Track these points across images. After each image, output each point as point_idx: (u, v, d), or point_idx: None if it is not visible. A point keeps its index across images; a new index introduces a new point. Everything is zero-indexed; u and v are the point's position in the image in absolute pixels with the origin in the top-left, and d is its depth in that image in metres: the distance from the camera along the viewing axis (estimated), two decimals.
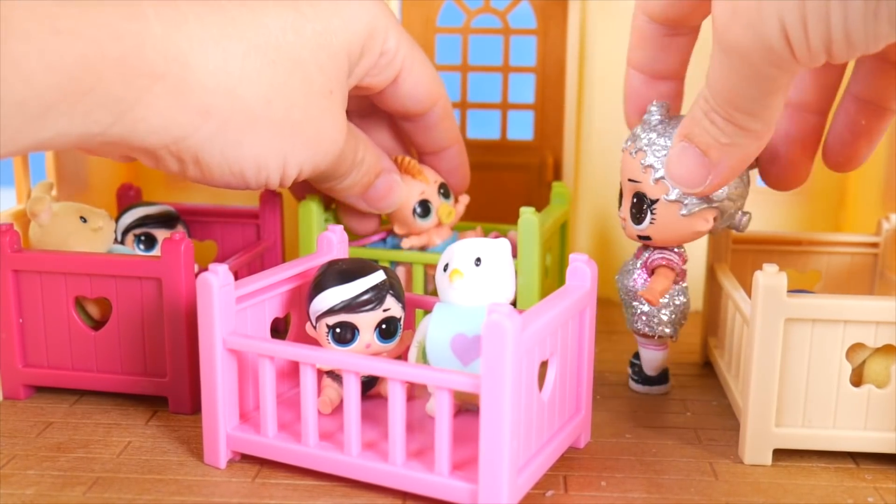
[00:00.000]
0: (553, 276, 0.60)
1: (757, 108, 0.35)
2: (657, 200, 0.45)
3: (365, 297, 0.42)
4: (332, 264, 0.44)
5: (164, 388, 0.48)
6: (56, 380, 0.50)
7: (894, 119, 0.43)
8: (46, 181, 0.52)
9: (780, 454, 0.44)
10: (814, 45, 0.29)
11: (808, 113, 0.44)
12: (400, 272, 0.57)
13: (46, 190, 0.52)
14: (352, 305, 0.42)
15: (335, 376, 0.45)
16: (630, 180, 0.46)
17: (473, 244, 0.43)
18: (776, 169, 0.45)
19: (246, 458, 0.43)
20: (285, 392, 0.48)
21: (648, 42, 0.44)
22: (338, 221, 0.56)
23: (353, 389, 0.39)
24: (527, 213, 0.51)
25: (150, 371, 0.49)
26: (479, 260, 0.42)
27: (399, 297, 0.44)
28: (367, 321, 0.43)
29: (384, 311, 0.43)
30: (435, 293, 0.48)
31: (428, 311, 0.45)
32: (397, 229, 0.57)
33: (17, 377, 0.50)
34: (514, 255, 0.52)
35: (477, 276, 0.42)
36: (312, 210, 0.55)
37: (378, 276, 0.43)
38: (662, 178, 0.44)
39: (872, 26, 0.28)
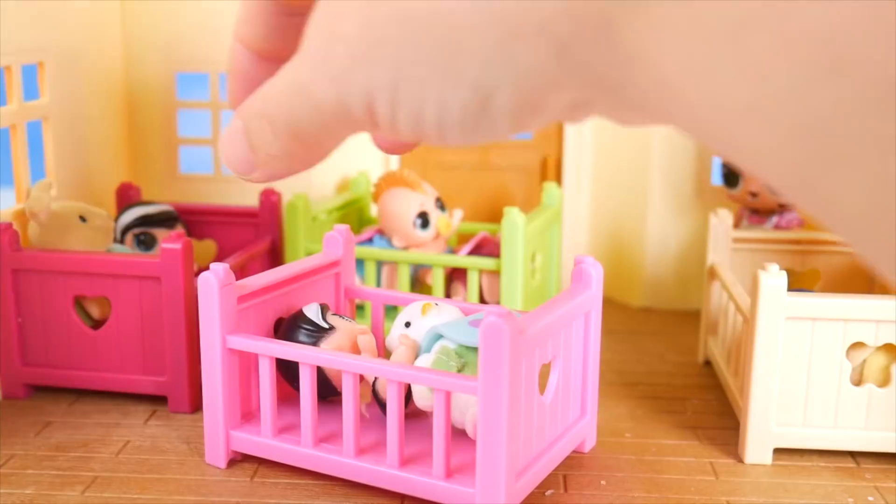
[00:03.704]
0: (544, 277, 0.60)
1: (315, 145, 0.32)
2: None
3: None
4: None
5: (164, 388, 0.48)
6: (55, 379, 0.50)
7: None
8: (46, 180, 0.52)
9: (780, 453, 0.44)
10: (402, 128, 0.25)
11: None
12: (386, 271, 0.58)
13: (46, 189, 0.51)
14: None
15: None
16: None
17: (405, 313, 0.44)
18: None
19: (245, 458, 0.43)
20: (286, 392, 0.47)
21: (258, 18, 0.38)
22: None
23: (351, 390, 0.39)
24: (511, 214, 0.52)
25: (150, 370, 0.49)
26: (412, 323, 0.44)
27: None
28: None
29: None
30: (421, 291, 0.48)
31: (403, 307, 0.46)
32: (396, 242, 0.58)
33: (17, 376, 0.50)
34: (498, 255, 0.53)
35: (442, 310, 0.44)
36: (298, 208, 0.56)
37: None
38: None
39: (472, 123, 0.22)
